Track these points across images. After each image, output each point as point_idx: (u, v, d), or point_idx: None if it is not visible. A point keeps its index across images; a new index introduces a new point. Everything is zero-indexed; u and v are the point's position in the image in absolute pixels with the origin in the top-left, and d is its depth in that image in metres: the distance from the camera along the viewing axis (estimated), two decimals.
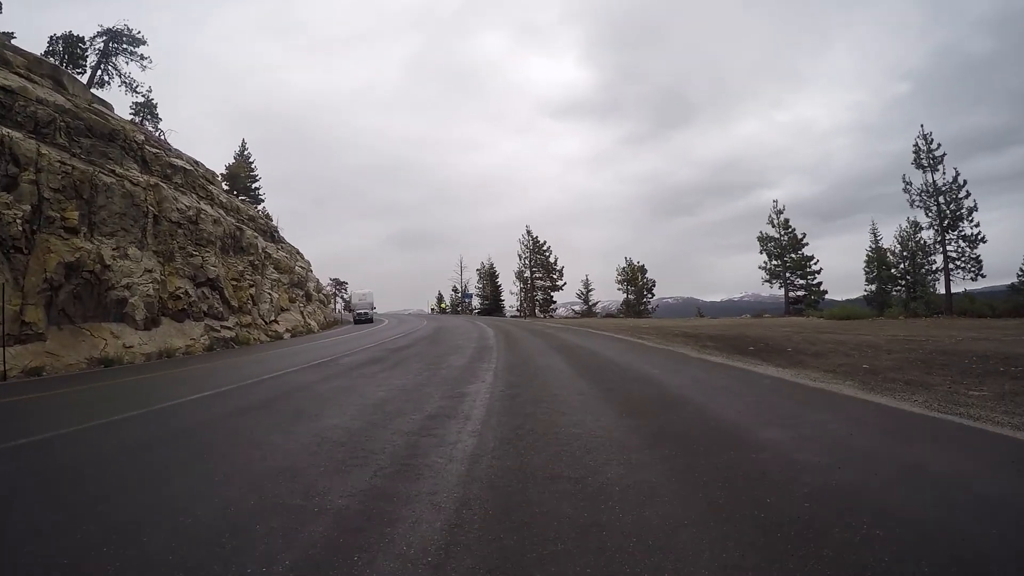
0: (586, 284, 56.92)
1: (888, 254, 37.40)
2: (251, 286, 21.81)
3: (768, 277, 44.25)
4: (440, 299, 73.02)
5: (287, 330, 23.50)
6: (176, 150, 26.50)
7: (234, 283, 20.31)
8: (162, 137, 26.44)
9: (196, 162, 26.31)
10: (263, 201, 48.75)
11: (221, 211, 22.55)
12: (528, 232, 57.56)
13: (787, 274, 43.24)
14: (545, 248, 56.86)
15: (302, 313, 26.99)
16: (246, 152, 48.51)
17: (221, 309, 18.56)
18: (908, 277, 35.33)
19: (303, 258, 40.89)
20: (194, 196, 20.76)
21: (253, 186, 48.47)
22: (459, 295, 64.32)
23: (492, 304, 60.13)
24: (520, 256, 57.83)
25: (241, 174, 35.95)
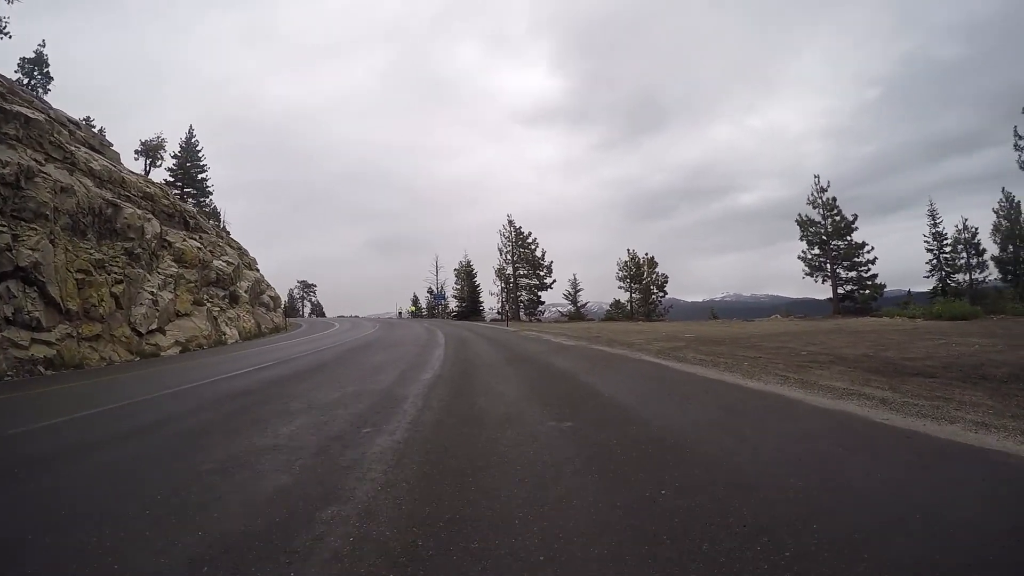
0: (574, 284, 51.15)
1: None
2: (118, 282, 15.67)
3: (808, 270, 37.96)
4: (415, 301, 66.86)
5: (176, 343, 17.35)
6: (46, 103, 20.34)
7: (80, 277, 14.18)
8: (35, 92, 20.35)
9: (74, 121, 20.13)
10: (211, 194, 42.70)
11: (86, 179, 16.43)
12: (510, 222, 51.30)
13: (832, 265, 36.83)
14: (530, 240, 50.67)
15: (214, 319, 20.82)
16: (193, 140, 42.45)
17: (38, 314, 12.43)
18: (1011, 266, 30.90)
19: (247, 255, 34.76)
20: (35, 154, 14.66)
21: (200, 176, 42.36)
22: (433, 297, 57.85)
23: (469, 306, 53.98)
24: (501, 250, 51.56)
25: (159, 150, 29.70)
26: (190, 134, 41.59)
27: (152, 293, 17.25)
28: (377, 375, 8.61)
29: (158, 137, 32.26)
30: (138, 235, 17.85)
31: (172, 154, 40.79)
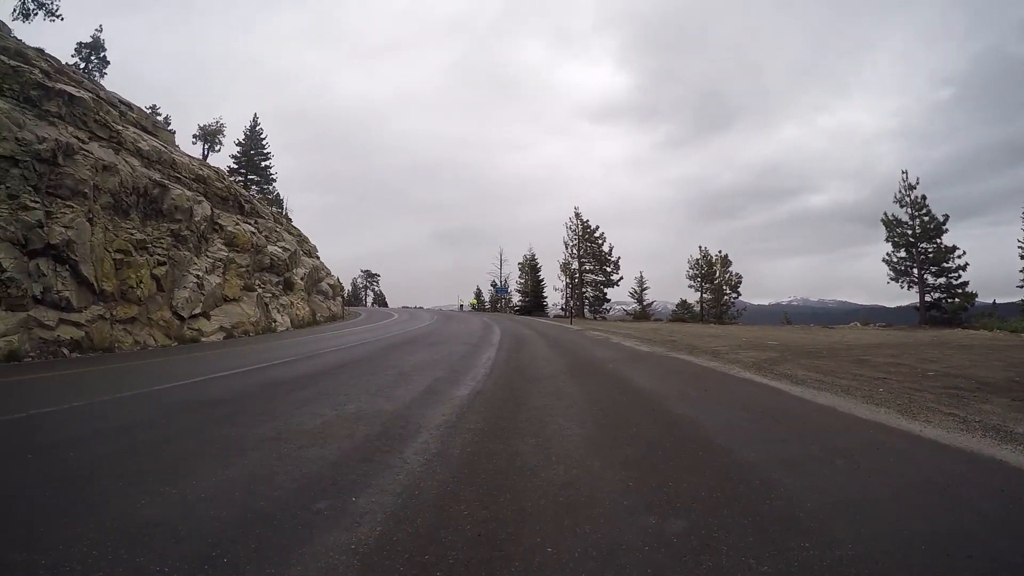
0: (640, 282, 48.06)
1: None
2: (160, 264, 15.07)
3: (893, 275, 33.41)
4: (478, 294, 65.94)
5: (221, 328, 16.67)
6: (97, 84, 20.36)
7: (120, 257, 13.57)
8: (91, 75, 20.50)
9: (126, 102, 20.02)
10: (274, 181, 43.36)
11: (132, 159, 15.99)
12: (577, 215, 48.69)
13: (919, 270, 32.21)
14: (597, 235, 47.92)
15: (264, 306, 20.21)
16: (257, 128, 43.24)
17: (68, 294, 11.79)
18: None
19: (307, 242, 34.70)
20: (78, 132, 14.24)
21: (263, 164, 43.11)
22: (496, 291, 56.37)
23: (532, 301, 52.12)
24: (566, 244, 49.08)
25: (218, 135, 29.87)
26: (254, 122, 42.38)
27: (198, 276, 16.63)
28: (399, 386, 6.59)
29: (217, 122, 32.63)
30: (186, 217, 17.32)
31: (236, 141, 41.76)
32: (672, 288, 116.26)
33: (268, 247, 23.06)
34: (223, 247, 19.22)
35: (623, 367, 9.21)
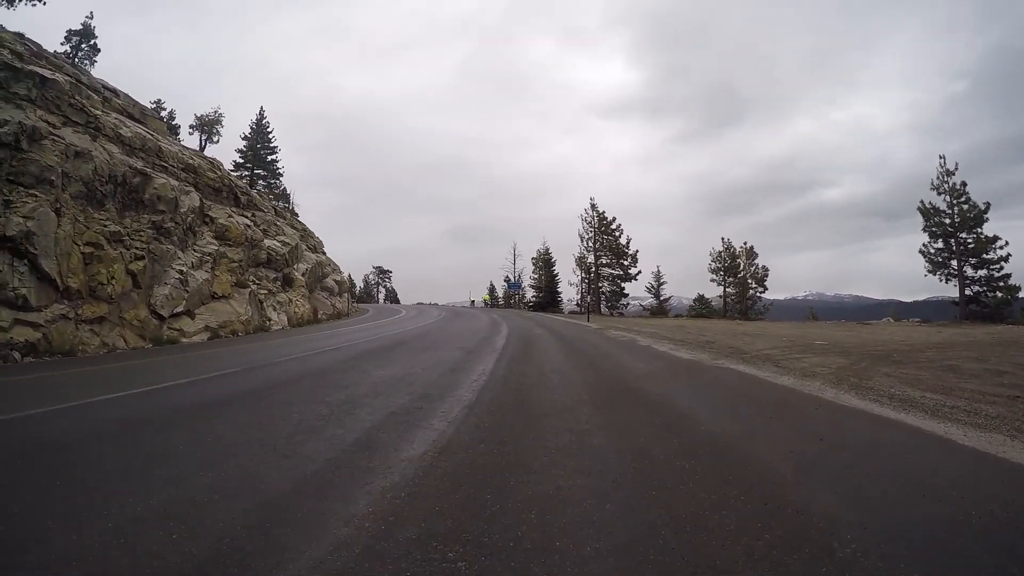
0: (657, 276, 46.36)
1: None
2: (138, 258, 13.98)
3: (931, 267, 31.18)
4: (492, 290, 64.66)
5: (207, 328, 15.57)
6: (81, 69, 19.41)
7: (89, 251, 12.49)
8: (80, 62, 19.52)
9: (111, 88, 19.02)
10: (281, 175, 42.50)
11: (111, 146, 14.92)
12: (592, 206, 46.91)
13: (958, 262, 29.85)
14: (614, 226, 46.18)
15: (259, 303, 19.11)
16: (264, 121, 42.36)
17: (26, 291, 10.70)
18: None
19: (312, 237, 33.73)
20: (49, 116, 13.19)
21: (269, 158, 42.25)
22: (509, 286, 54.88)
23: (547, 297, 50.64)
24: (582, 237, 47.39)
25: (216, 125, 28.74)
26: (261, 115, 41.39)
27: (181, 272, 15.54)
28: (325, 430, 4.42)
29: (215, 112, 31.03)
30: (170, 208, 16.22)
31: (242, 136, 40.86)
32: (686, 283, 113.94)
33: (265, 241, 21.97)
34: (213, 241, 18.13)
35: (668, 388, 6.80)
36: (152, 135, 17.75)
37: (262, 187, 40.45)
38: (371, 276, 77.06)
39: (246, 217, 21.59)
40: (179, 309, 15.03)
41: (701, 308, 43.12)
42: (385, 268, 79.70)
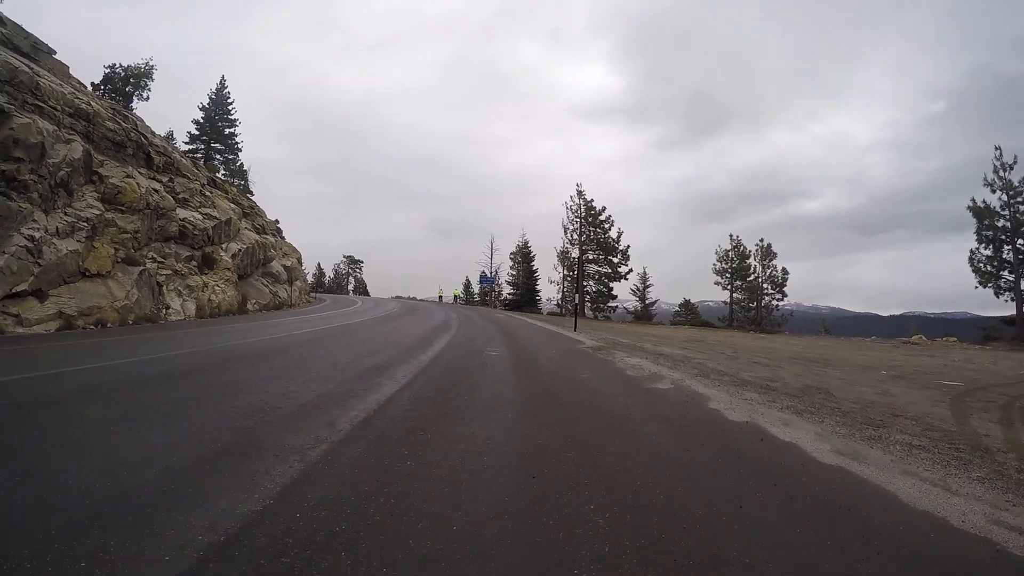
0: (643, 278, 43.29)
1: None
2: None
3: (980, 279, 27.09)
4: (467, 286, 61.21)
5: (60, 315, 12.03)
6: None
7: None
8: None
9: None
10: (240, 150, 38.66)
11: None
12: (579, 193, 42.50)
13: (1018, 273, 25.87)
14: (603, 218, 42.15)
15: (155, 286, 15.56)
16: (225, 91, 38.43)
17: None
18: None
19: (262, 217, 30.14)
20: None
21: (227, 131, 38.34)
22: (483, 281, 51.10)
23: (524, 295, 47.28)
24: (566, 229, 43.36)
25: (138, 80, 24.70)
26: (222, 85, 37.44)
27: (33, 239, 11.99)
28: None
29: (145, 64, 25.61)
30: (34, 157, 12.64)
31: (200, 106, 36.88)
32: (669, 288, 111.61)
33: (179, 211, 18.38)
34: (97, 204, 14.55)
35: None
36: (30, 68, 14.09)
37: (219, 161, 36.58)
38: (341, 266, 73.06)
39: (158, 181, 17.98)
40: (21, 287, 11.50)
41: (687, 315, 40.06)
42: (356, 258, 75.72)
